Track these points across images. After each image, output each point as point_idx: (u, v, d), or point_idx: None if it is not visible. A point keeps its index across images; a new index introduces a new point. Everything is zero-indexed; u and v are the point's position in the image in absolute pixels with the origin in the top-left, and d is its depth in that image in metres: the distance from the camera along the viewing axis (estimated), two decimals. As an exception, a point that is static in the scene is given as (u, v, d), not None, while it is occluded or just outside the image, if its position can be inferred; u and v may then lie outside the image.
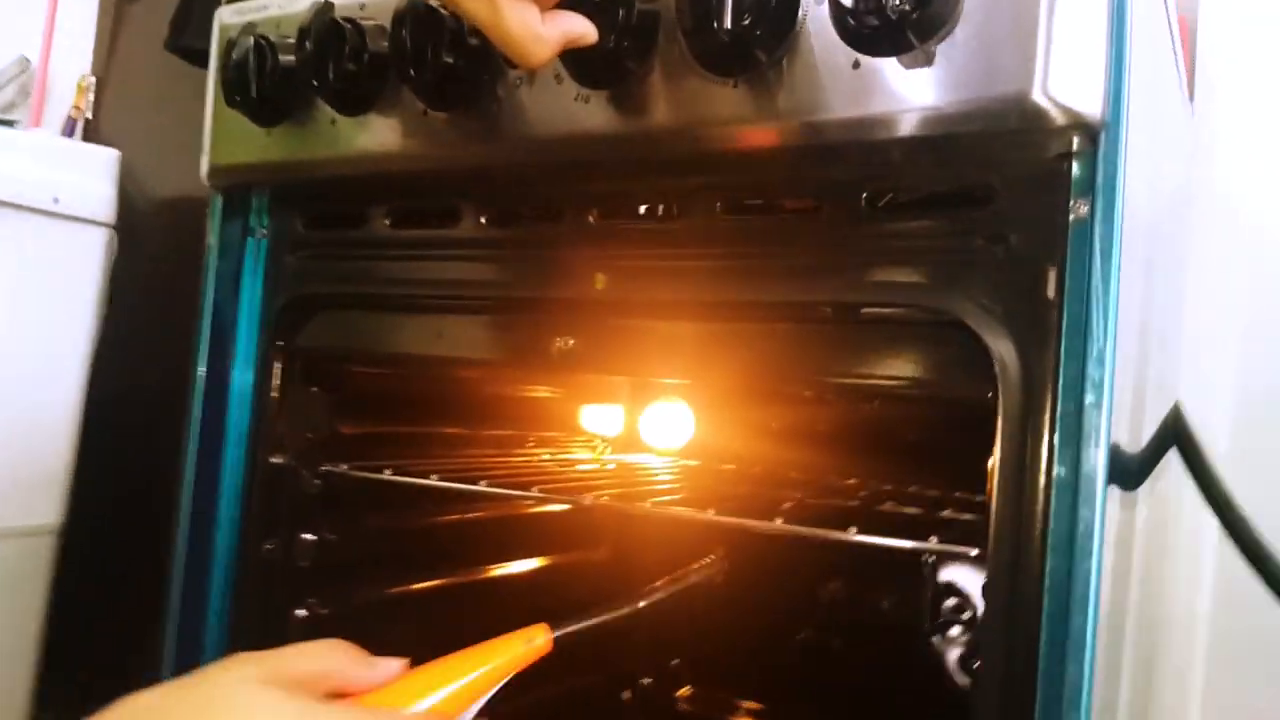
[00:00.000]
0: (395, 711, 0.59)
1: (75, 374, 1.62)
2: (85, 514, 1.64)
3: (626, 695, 1.53)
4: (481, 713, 0.63)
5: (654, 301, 0.80)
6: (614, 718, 1.52)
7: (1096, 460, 0.63)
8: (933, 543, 0.75)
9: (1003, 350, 0.67)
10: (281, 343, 1.01)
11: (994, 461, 0.67)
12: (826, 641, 1.43)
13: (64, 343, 1.62)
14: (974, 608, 1.32)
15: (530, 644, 0.63)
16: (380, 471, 0.99)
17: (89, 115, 1.98)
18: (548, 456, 1.36)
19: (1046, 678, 0.63)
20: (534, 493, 0.91)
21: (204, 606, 1.01)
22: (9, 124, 1.78)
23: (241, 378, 1.03)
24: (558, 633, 0.64)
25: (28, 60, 2.05)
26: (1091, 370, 0.64)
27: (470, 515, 1.28)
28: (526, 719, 1.40)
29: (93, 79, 1.98)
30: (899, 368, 0.71)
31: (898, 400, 0.98)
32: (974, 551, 0.73)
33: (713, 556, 0.80)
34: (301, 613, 1.04)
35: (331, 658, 0.59)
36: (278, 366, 1.02)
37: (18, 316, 1.53)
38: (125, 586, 1.78)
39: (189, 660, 1.01)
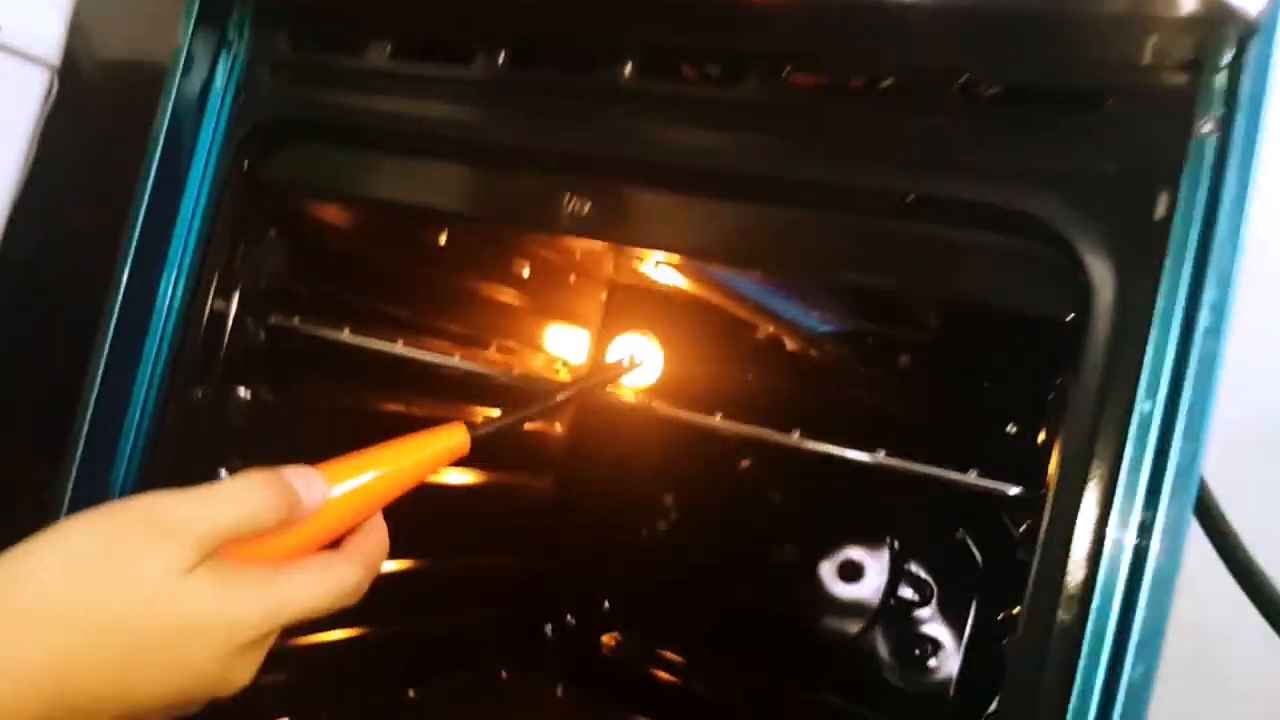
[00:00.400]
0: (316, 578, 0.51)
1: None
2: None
3: (548, 631, 1.44)
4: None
5: (691, 171, 0.70)
6: (532, 653, 1.42)
7: (1206, 395, 0.55)
8: (971, 476, 0.67)
9: (1098, 269, 0.59)
10: (245, 172, 0.88)
11: (1068, 392, 0.59)
12: (766, 606, 1.35)
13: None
14: (932, 599, 1.26)
15: (449, 441, 0.58)
16: (340, 330, 0.88)
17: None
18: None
19: (1096, 633, 0.55)
20: (515, 376, 0.81)
21: (114, 451, 0.88)
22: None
23: (192, 207, 0.90)
24: (476, 433, 0.59)
25: None
26: (1201, 304, 0.56)
27: (415, 410, 1.17)
28: (443, 638, 1.31)
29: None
30: (969, 274, 0.62)
31: (957, 314, 0.89)
32: (1013, 490, 0.65)
33: (631, 357, 0.72)
34: (223, 474, 0.93)
35: (264, 511, 0.50)
36: (237, 200, 0.89)
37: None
38: (37, 446, 1.63)
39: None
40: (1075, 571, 0.57)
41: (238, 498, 0.48)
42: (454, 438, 0.59)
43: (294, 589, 0.49)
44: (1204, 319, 0.55)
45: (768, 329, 1.25)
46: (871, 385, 1.26)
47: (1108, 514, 0.57)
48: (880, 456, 0.70)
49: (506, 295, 1.26)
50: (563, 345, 1.38)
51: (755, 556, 1.35)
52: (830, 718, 1.30)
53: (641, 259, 0.87)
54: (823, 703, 1.30)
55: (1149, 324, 0.58)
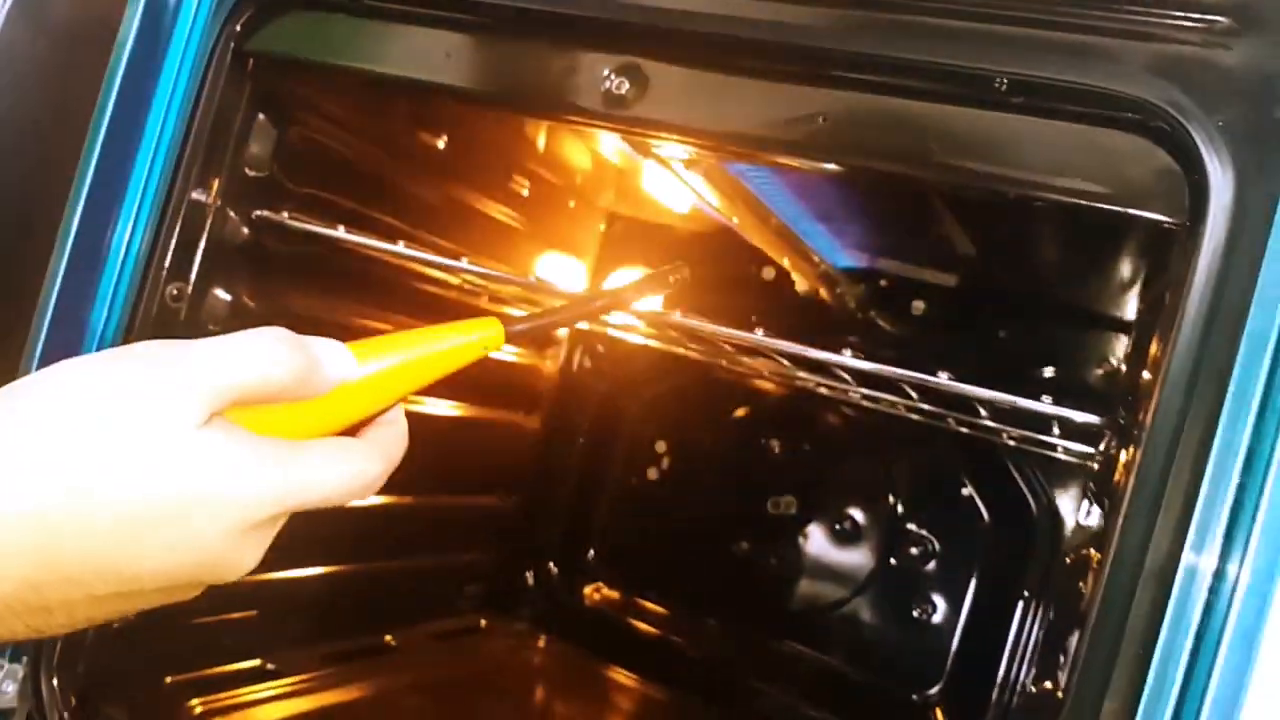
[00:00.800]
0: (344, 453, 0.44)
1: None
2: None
3: (529, 578, 1.37)
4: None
5: (756, 46, 0.62)
6: (512, 601, 1.35)
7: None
8: (1045, 403, 0.60)
9: (1215, 166, 0.52)
10: (234, 42, 0.79)
11: (1182, 306, 0.52)
12: (759, 561, 1.29)
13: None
14: (934, 558, 1.21)
15: (483, 332, 0.52)
16: (334, 228, 0.79)
17: None
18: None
19: (1189, 571, 0.49)
20: (531, 280, 0.73)
21: (78, 349, 0.80)
22: None
23: (171, 81, 0.81)
24: (511, 328, 0.53)
25: None
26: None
27: (404, 324, 1.08)
28: (421, 580, 1.23)
29: None
30: (1070, 170, 0.55)
31: (1034, 215, 0.82)
32: (1095, 419, 0.59)
33: (678, 263, 0.64)
34: (196, 384, 0.84)
35: (278, 368, 0.42)
36: (223, 74, 0.80)
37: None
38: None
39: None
40: (1173, 504, 0.51)
41: (253, 350, 0.41)
42: (488, 328, 0.52)
43: (313, 470, 0.42)
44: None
45: (779, 265, 1.18)
46: (888, 329, 1.20)
47: (1211, 437, 0.50)
48: (942, 379, 0.63)
49: (504, 214, 1.18)
50: (559, 274, 1.30)
51: (749, 509, 1.29)
52: (819, 678, 1.25)
53: (663, 163, 0.79)
54: (812, 661, 1.25)
55: (1268, 232, 0.51)
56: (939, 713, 1.15)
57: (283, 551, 1.02)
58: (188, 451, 0.38)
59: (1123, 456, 0.54)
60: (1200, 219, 0.52)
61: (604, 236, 1.35)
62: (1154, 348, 0.54)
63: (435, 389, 1.18)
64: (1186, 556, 0.50)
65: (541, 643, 1.32)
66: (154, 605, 0.42)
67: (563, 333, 1.35)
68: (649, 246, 1.33)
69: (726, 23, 0.63)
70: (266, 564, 1.02)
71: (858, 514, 1.26)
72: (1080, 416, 0.60)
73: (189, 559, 0.39)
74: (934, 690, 1.17)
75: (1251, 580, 0.48)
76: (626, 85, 0.65)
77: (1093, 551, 0.54)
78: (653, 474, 1.37)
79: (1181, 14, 0.54)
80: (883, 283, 1.21)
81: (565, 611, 1.36)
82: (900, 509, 1.24)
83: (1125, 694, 0.50)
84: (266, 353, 0.42)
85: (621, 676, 1.28)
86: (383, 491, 1.16)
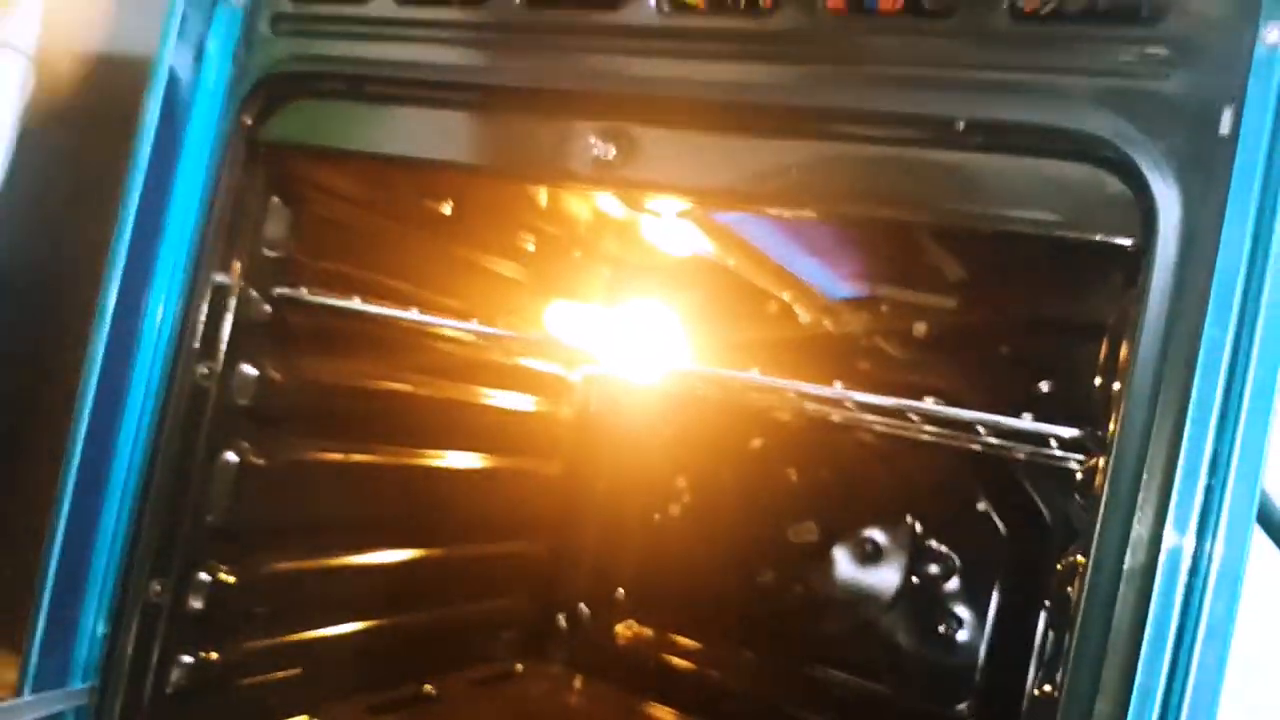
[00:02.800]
0: None
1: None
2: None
3: (562, 621, 1.40)
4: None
5: (732, 106, 0.66)
6: (546, 644, 1.38)
7: (1274, 322, 0.52)
8: (1026, 420, 0.64)
9: (1162, 188, 0.56)
10: (247, 131, 0.84)
11: (1139, 322, 0.55)
12: (785, 589, 1.32)
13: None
14: (955, 573, 1.23)
15: None
16: (349, 299, 0.84)
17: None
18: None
19: (1169, 568, 0.52)
20: (536, 335, 0.77)
21: (114, 432, 0.84)
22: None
23: (190, 172, 0.87)
24: None
25: None
26: (1271, 220, 0.53)
27: (422, 390, 1.13)
28: (458, 629, 1.27)
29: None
30: (1036, 201, 0.59)
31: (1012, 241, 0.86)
32: (1071, 432, 0.62)
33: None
34: (231, 457, 0.89)
35: None
36: (238, 163, 0.85)
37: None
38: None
39: (92, 501, 0.84)
40: (1145, 509, 0.54)
41: None
42: None
43: None
44: (1276, 240, 0.52)
45: (780, 300, 1.22)
46: (889, 352, 1.23)
47: (1178, 445, 0.54)
48: (928, 404, 0.67)
49: (512, 269, 1.23)
50: (568, 323, 1.34)
51: (772, 538, 1.32)
52: (854, 701, 1.27)
53: (654, 215, 0.83)
54: (846, 685, 1.27)
55: (1216, 247, 0.55)
56: (970, 726, 1.17)
57: (324, 609, 1.06)
58: None
59: (1100, 464, 0.57)
60: (1151, 239, 0.56)
61: (609, 282, 1.40)
62: (1120, 360, 0.57)
63: (457, 441, 1.22)
64: (1164, 553, 0.53)
65: (578, 684, 1.35)
66: None
67: (575, 377, 1.39)
68: (653, 289, 1.37)
69: (697, 87, 0.67)
70: (310, 622, 1.06)
71: (878, 535, 1.28)
72: (1063, 431, 0.63)
73: None
74: (964, 703, 1.19)
75: (1222, 570, 0.51)
76: (613, 150, 0.70)
77: (1079, 557, 0.57)
78: (674, 510, 1.40)
79: (1121, 48, 0.58)
80: (883, 309, 1.25)
81: (599, 652, 1.39)
82: (919, 528, 1.26)
83: (1116, 690, 0.53)
84: None
85: (661, 712, 1.30)
86: (414, 545, 1.19)
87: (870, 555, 1.29)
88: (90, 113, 1.60)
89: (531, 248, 1.24)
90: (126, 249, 0.87)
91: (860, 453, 1.31)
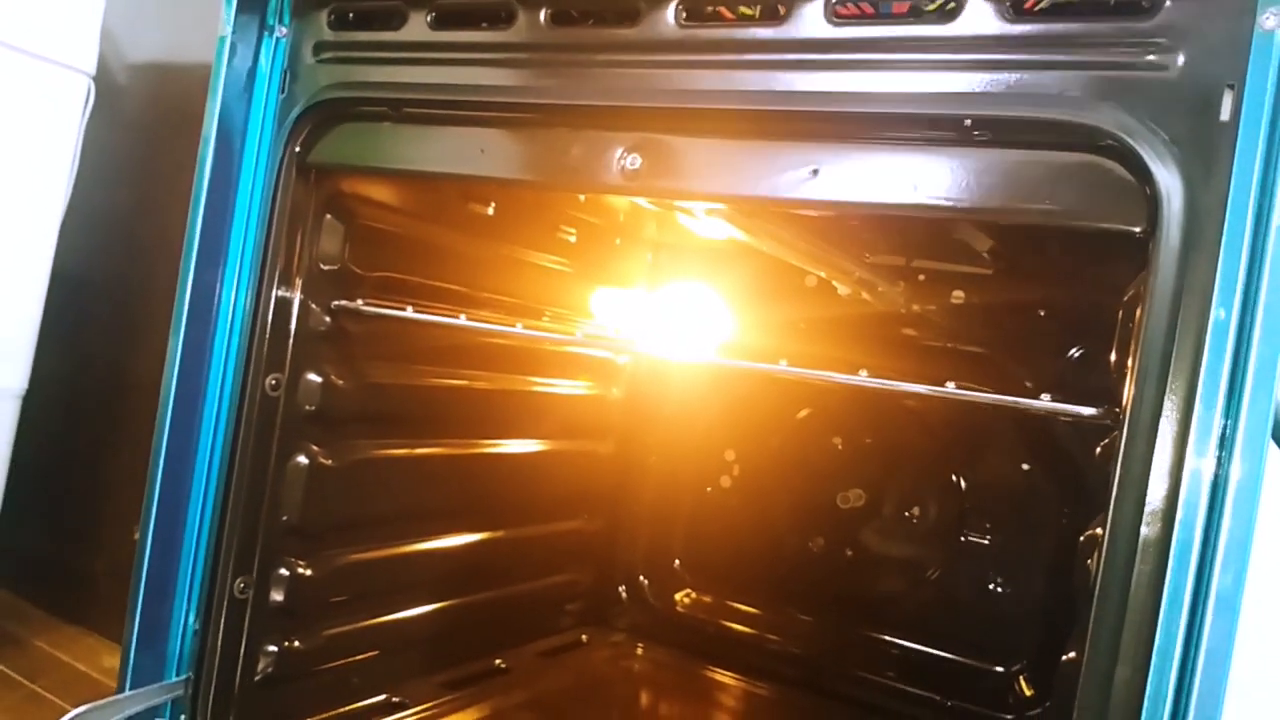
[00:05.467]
0: None
1: (47, 232, 1.49)
2: (50, 380, 1.52)
3: (622, 592, 1.46)
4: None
5: (743, 114, 0.70)
6: (609, 614, 1.44)
7: (1275, 301, 0.54)
8: (1044, 400, 0.66)
9: (1165, 176, 0.58)
10: (298, 155, 0.89)
11: (1142, 303, 0.58)
12: (839, 551, 1.36)
13: (37, 197, 1.48)
14: (1004, 532, 1.26)
15: None
16: (403, 309, 0.89)
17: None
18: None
19: (1183, 544, 0.55)
20: (578, 336, 0.82)
21: (194, 445, 0.91)
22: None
23: (249, 195, 0.92)
24: None
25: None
26: (1272, 206, 0.55)
27: (478, 383, 1.18)
28: (523, 605, 1.33)
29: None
30: (1038, 194, 0.62)
31: (1017, 238, 0.89)
32: (1090, 411, 0.65)
33: None
34: (302, 460, 0.95)
35: None
36: (292, 183, 0.90)
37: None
38: (84, 458, 1.68)
39: (177, 507, 0.91)
40: (1157, 486, 0.57)
41: None
42: None
43: None
44: (1277, 222, 0.54)
45: (818, 275, 1.25)
46: (925, 322, 1.25)
47: (1188, 425, 0.56)
48: (950, 388, 0.70)
49: (555, 262, 1.27)
50: (614, 308, 1.38)
51: (822, 504, 1.36)
52: (912, 662, 1.30)
53: (686, 213, 0.86)
54: (902, 647, 1.31)
55: (1220, 231, 0.57)
56: (1023, 682, 1.21)
57: (397, 594, 1.13)
58: None
59: (1116, 439, 0.60)
60: (1156, 226, 0.58)
61: (652, 265, 1.43)
62: (1132, 341, 0.60)
63: (514, 429, 1.27)
64: (1178, 528, 0.56)
65: (641, 650, 1.41)
66: None
67: (623, 360, 1.43)
68: (695, 270, 1.40)
69: (722, 97, 0.70)
70: (384, 607, 1.12)
71: (925, 497, 1.31)
72: (1083, 409, 0.66)
73: None
74: (1016, 662, 1.22)
75: (1229, 540, 0.53)
76: (639, 160, 0.73)
77: (1099, 529, 0.60)
78: (725, 481, 1.44)
79: (1122, 39, 0.60)
80: (921, 278, 1.27)
81: (660, 620, 1.45)
82: (965, 488, 1.29)
83: (1135, 657, 0.56)
84: None
85: (722, 676, 1.36)
86: (478, 528, 1.25)
87: (918, 517, 1.32)
88: (153, 124, 1.67)
89: (573, 239, 1.28)
90: (194, 269, 0.93)
91: (905, 418, 1.34)
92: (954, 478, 1.31)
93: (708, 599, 1.45)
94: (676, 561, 1.46)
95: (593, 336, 0.88)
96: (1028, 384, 1.17)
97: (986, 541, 1.26)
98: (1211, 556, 0.54)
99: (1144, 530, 0.57)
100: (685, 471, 1.46)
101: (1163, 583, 0.56)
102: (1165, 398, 0.57)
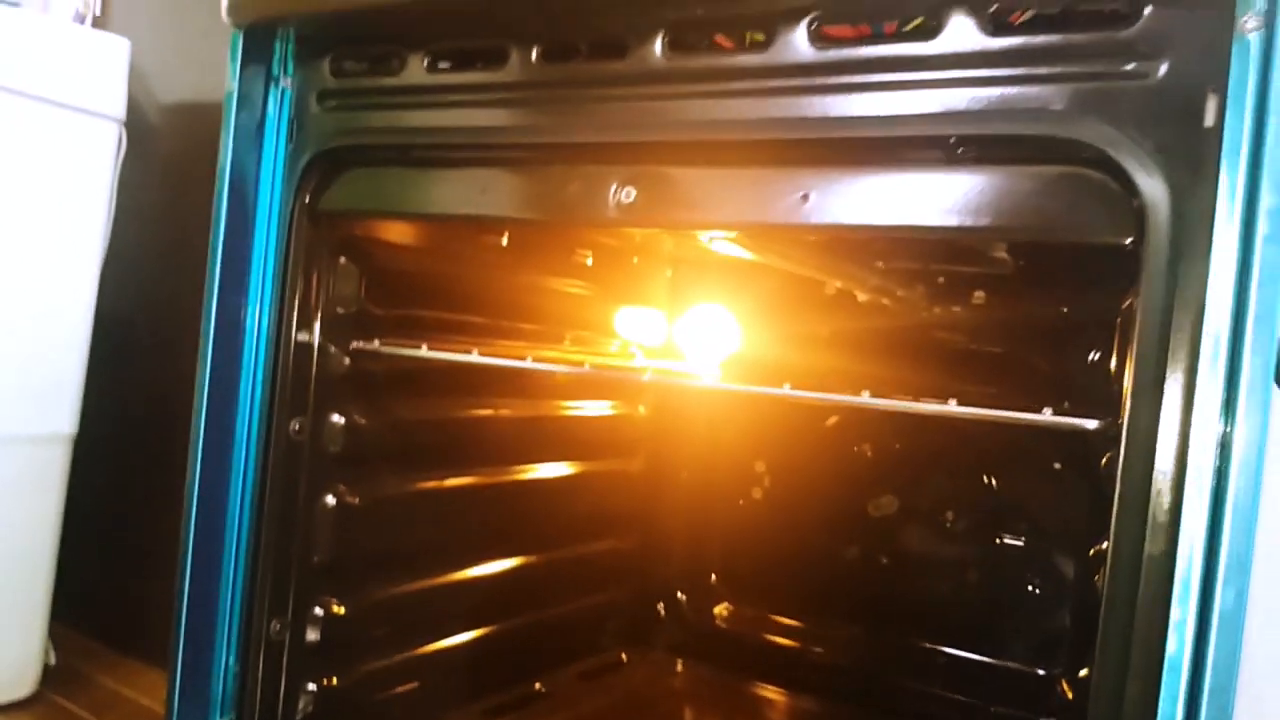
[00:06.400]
0: None
1: (88, 276, 1.54)
2: (98, 421, 1.57)
3: (661, 610, 1.47)
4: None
5: (733, 143, 0.70)
6: (647, 632, 1.45)
7: (1267, 308, 0.53)
8: (1046, 414, 0.66)
9: (1151, 187, 0.57)
10: (308, 203, 0.91)
11: (1138, 317, 0.58)
12: (875, 559, 1.36)
13: (75, 243, 1.52)
14: (1037, 536, 1.24)
15: None
16: (418, 347, 0.91)
17: (97, 13, 1.88)
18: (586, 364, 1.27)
19: (1189, 556, 0.55)
20: (585, 368, 0.83)
21: (226, 492, 0.93)
22: (14, 4, 1.67)
23: (264, 243, 0.94)
24: None
25: (34, -55, 1.94)
26: (1260, 208, 0.55)
27: (503, 412, 1.20)
28: (561, 627, 1.34)
29: (98, -30, 1.87)
30: (1024, 210, 0.62)
31: (1017, 251, 0.88)
32: (1092, 424, 0.64)
33: None
34: (330, 500, 0.97)
35: None
36: (304, 230, 0.93)
37: (27, 214, 1.44)
38: (138, 493, 1.72)
39: (211, 554, 0.94)
40: (1159, 500, 0.56)
41: None
42: None
43: None
44: (1264, 226, 0.53)
45: (835, 284, 1.25)
46: (946, 326, 1.24)
47: (1187, 435, 0.56)
48: (952, 405, 0.70)
49: (573, 285, 1.28)
50: (635, 327, 1.39)
51: (854, 513, 1.36)
52: (952, 667, 1.29)
53: (693, 235, 0.87)
54: (946, 654, 1.30)
55: (1210, 237, 0.56)
56: (1064, 685, 1.19)
57: (433, 625, 1.14)
58: None
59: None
60: (1144, 236, 0.57)
61: (672, 282, 1.44)
62: (1128, 352, 0.60)
63: (541, 454, 1.29)
64: (1182, 546, 0.55)
65: (681, 667, 1.41)
66: None
67: (648, 377, 1.44)
68: (715, 283, 1.40)
69: (711, 127, 0.71)
70: (421, 639, 1.14)
71: (958, 501, 1.30)
72: (1086, 422, 0.65)
73: None
74: (1057, 664, 1.21)
75: (1230, 557, 0.53)
76: (634, 193, 0.74)
77: (1106, 545, 0.60)
78: (757, 494, 1.44)
79: (1101, 50, 0.60)
80: (940, 280, 1.26)
81: (700, 636, 1.45)
82: (997, 489, 1.28)
83: (1145, 672, 0.55)
84: None
85: (767, 691, 1.36)
86: (511, 554, 1.27)
87: (952, 521, 1.31)
88: (186, 162, 1.72)
89: (590, 262, 1.29)
90: (214, 320, 0.95)
91: (933, 421, 1.33)
92: (986, 479, 1.29)
93: (747, 612, 1.45)
94: (713, 576, 1.46)
95: (607, 366, 0.88)
96: (1051, 388, 1.16)
97: (1022, 543, 1.24)
98: (1214, 571, 0.53)
99: (1147, 547, 0.56)
100: (716, 485, 1.46)
101: (1169, 600, 0.55)
102: (1161, 410, 0.56)
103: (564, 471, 1.32)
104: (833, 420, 1.40)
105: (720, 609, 1.47)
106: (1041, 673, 1.22)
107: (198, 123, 1.78)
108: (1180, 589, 0.55)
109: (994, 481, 1.28)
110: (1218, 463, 0.55)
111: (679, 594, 1.47)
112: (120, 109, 1.60)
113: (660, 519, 1.47)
